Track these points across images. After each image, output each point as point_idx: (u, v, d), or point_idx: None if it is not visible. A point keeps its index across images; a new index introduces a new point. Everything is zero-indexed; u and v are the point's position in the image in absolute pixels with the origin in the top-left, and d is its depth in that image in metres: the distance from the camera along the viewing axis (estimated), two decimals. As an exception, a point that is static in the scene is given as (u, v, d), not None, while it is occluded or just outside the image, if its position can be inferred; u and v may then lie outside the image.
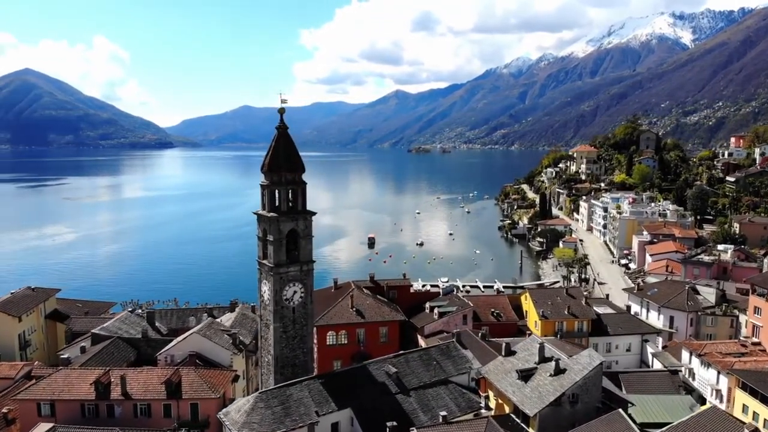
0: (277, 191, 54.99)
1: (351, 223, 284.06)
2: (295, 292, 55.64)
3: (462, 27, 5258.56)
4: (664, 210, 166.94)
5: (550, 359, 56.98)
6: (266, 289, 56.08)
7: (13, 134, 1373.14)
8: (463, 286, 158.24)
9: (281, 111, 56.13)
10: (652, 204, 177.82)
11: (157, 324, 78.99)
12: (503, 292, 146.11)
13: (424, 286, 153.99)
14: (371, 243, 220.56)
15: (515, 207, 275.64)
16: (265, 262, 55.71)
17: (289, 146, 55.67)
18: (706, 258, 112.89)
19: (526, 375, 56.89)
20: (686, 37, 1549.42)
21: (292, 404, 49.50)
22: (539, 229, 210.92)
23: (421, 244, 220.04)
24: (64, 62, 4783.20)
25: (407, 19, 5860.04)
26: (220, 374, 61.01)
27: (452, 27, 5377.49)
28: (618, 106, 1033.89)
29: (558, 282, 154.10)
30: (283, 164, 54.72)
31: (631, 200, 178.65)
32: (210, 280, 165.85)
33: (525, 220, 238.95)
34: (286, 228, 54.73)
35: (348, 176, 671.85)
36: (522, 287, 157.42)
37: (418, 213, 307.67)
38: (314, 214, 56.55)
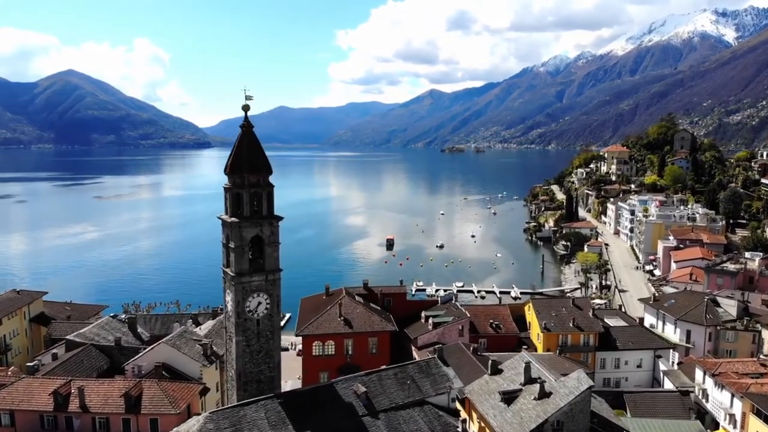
0: (240, 194, 51.19)
1: (372, 224, 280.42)
2: (259, 303, 51.70)
3: (498, 25, 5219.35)
4: (694, 213, 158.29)
5: (536, 380, 51.96)
6: (229, 299, 52.47)
7: (57, 134, 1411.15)
8: (478, 292, 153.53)
9: (245, 108, 52.13)
10: (681, 207, 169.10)
11: (139, 330, 76.27)
12: (520, 298, 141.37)
13: (437, 290, 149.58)
14: (390, 245, 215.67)
15: (543, 209, 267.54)
16: (227, 270, 52.03)
17: (253, 146, 51.68)
18: (731, 266, 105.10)
19: (509, 397, 51.88)
20: (729, 34, 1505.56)
21: (245, 426, 45.43)
22: (564, 232, 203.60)
23: (441, 247, 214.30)
24: (107, 63, 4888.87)
25: (443, 18, 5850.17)
26: (184, 388, 57.66)
27: (488, 25, 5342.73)
28: (658, 105, 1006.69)
29: (578, 289, 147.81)
30: (245, 165, 50.80)
31: (658, 203, 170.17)
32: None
33: (551, 223, 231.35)
34: (249, 234, 50.81)
35: (377, 176, 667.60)
36: (541, 293, 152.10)
37: (442, 214, 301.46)
38: (281, 219, 52.62)
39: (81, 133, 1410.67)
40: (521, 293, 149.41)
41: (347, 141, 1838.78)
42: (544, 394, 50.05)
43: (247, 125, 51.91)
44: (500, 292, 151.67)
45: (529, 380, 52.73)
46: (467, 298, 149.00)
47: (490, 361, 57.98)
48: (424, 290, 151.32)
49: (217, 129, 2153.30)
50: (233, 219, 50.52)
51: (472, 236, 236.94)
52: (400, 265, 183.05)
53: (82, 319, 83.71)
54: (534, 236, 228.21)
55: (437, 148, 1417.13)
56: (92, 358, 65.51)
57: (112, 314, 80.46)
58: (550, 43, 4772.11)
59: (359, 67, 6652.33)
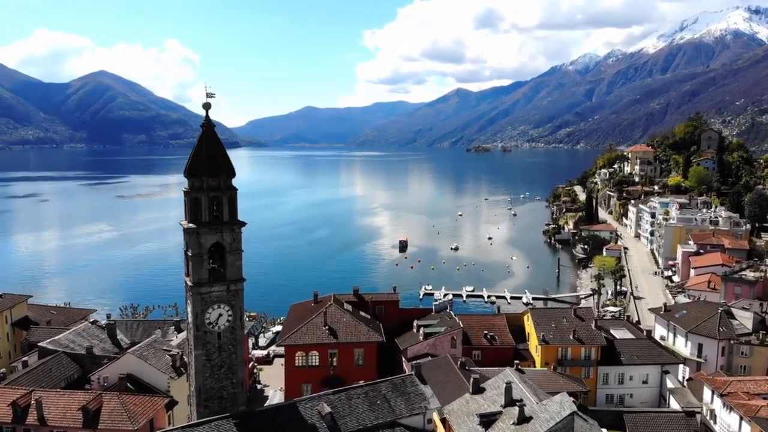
0: (198, 199, 47.93)
1: (388, 225, 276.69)
2: (220, 315, 48.35)
3: (526, 23, 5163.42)
4: (716, 217, 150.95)
5: (517, 402, 47.77)
6: (189, 310, 49.28)
7: (89, 133, 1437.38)
8: (488, 297, 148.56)
9: (206, 106, 48.92)
10: (704, 210, 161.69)
11: (119, 336, 73.57)
12: (531, 304, 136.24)
13: (446, 295, 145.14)
14: (402, 246, 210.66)
15: (564, 210, 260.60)
16: (187, 279, 48.85)
17: (213, 147, 48.30)
18: (750, 274, 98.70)
19: (487, 420, 47.82)
20: (763, 32, 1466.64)
21: (194, 449, 42.43)
22: (582, 235, 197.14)
23: (456, 249, 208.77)
24: (138, 64, 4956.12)
25: (470, 16, 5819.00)
26: (148, 401, 54.75)
27: (516, 23, 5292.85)
28: (690, 104, 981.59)
29: (591, 295, 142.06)
30: (204, 167, 47.55)
31: (678, 206, 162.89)
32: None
33: (570, 225, 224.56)
34: (208, 242, 47.52)
35: (401, 176, 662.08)
36: (554, 299, 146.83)
37: (460, 215, 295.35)
38: (244, 224, 49.23)
39: (113, 132, 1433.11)
40: (533, 298, 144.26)
41: (373, 140, 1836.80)
42: (523, 419, 46.00)
43: (207, 125, 48.71)
44: (511, 298, 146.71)
45: (510, 402, 48.67)
46: (477, 302, 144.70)
47: (472, 379, 54.01)
48: (432, 294, 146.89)
49: (246, 129, 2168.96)
50: (191, 225, 47.33)
51: (489, 238, 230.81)
52: (411, 267, 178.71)
53: (66, 324, 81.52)
54: (553, 239, 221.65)
55: (463, 147, 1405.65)
56: (62, 367, 62.99)
57: (92, 320, 77.86)
58: (579, 41, 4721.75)
59: (386, 66, 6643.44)
